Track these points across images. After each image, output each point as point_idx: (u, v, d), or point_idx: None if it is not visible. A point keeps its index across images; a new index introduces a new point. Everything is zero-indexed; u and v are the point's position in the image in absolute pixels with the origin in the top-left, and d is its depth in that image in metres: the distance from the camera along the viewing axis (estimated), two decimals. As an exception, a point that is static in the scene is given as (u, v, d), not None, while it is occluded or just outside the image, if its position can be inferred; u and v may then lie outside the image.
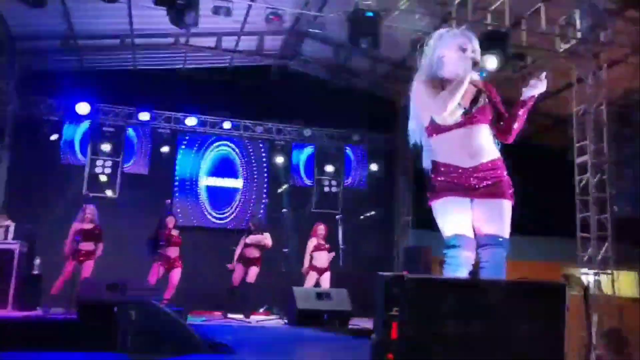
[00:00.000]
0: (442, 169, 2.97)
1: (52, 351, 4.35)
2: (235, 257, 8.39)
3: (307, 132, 11.62)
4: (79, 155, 10.90)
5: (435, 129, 2.99)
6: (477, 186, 2.91)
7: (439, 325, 2.05)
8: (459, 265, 2.72)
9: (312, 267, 8.42)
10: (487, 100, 3.03)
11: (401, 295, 2.05)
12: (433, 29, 8.18)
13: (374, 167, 11.95)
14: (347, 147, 12.07)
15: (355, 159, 12.12)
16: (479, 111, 2.98)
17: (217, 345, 3.18)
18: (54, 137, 10.57)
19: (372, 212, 11.79)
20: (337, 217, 8.48)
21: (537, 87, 2.95)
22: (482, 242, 2.84)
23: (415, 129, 3.16)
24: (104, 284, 6.15)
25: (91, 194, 10.38)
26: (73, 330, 5.46)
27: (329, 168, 11.82)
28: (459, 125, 2.94)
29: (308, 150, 11.96)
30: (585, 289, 3.20)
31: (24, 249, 8.22)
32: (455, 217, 2.87)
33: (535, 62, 8.08)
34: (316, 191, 11.71)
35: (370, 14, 7.12)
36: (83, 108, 10.71)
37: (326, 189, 11.75)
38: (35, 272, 8.59)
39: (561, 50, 7.43)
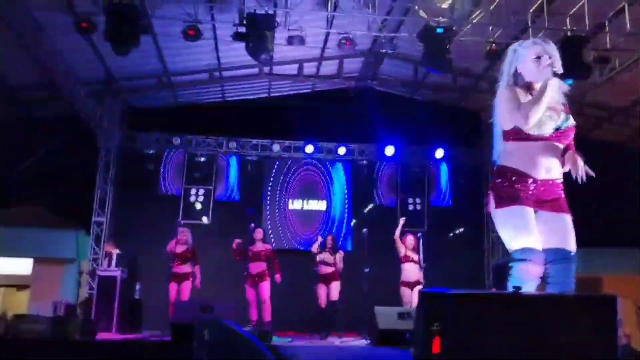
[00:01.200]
0: (513, 177, 2.86)
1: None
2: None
3: (390, 150, 11.63)
4: (175, 186, 11.55)
5: (516, 134, 2.89)
6: (543, 198, 2.84)
7: (481, 340, 2.06)
8: (527, 280, 2.63)
9: (402, 283, 8.31)
10: (573, 122, 2.95)
11: (442, 311, 2.08)
12: (511, 39, 8.06)
13: (460, 182, 11.72)
14: (431, 164, 11.94)
15: (440, 175, 11.96)
16: (567, 131, 2.91)
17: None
18: (150, 166, 11.32)
19: (462, 229, 11.58)
20: (418, 234, 8.40)
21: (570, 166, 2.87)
22: (551, 257, 2.76)
23: (496, 139, 3.04)
24: (197, 305, 6.46)
25: (187, 221, 11.00)
26: (167, 351, 5.80)
27: (413, 186, 11.74)
28: (544, 138, 2.86)
29: (392, 168, 11.96)
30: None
31: (125, 275, 8.81)
32: (527, 229, 2.77)
33: (623, 65, 7.68)
34: (400, 210, 11.66)
35: (439, 30, 7.12)
36: (177, 140, 11.42)
37: (410, 207, 11.67)
38: (136, 297, 9.17)
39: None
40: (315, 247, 8.59)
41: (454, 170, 11.86)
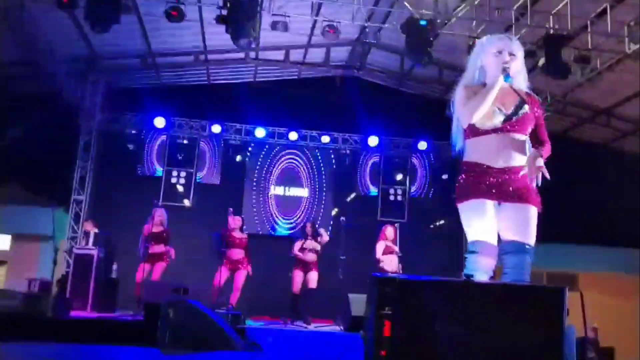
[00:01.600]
0: (472, 169, 2.97)
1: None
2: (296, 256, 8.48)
3: (373, 140, 11.68)
4: (156, 167, 11.52)
5: (472, 131, 3.01)
6: (505, 188, 2.89)
7: (430, 325, 2.11)
8: (477, 271, 2.69)
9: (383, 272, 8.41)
10: (528, 111, 3.01)
11: (393, 295, 2.13)
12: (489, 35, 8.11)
13: (440, 175, 11.81)
14: (413, 156, 12.01)
15: (421, 167, 12.04)
16: (519, 120, 2.98)
17: (251, 345, 3.35)
18: (131, 147, 11.25)
19: (442, 221, 11.68)
20: (396, 225, 8.48)
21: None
22: (507, 249, 2.82)
23: (456, 134, 3.18)
24: (169, 287, 6.51)
25: (168, 203, 11.00)
26: (138, 330, 5.83)
27: (395, 177, 11.82)
28: (496, 130, 2.95)
29: (374, 159, 12.02)
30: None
31: (102, 254, 8.80)
32: (480, 222, 2.86)
33: (604, 64, 7.76)
34: (381, 200, 11.74)
35: (423, 22, 7.15)
36: (159, 122, 11.36)
37: (392, 198, 11.75)
38: (113, 276, 9.16)
39: (630, 51, 7.11)
40: (296, 249, 8.50)
41: (435, 163, 11.93)
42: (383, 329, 2.13)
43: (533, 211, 2.90)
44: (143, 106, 11.36)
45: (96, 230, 9.16)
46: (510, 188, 2.89)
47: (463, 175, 3.01)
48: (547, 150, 3.00)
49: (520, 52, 3.10)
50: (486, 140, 2.96)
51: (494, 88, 2.93)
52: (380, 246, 8.47)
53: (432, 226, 11.96)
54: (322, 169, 11.87)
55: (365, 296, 6.53)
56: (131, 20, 8.94)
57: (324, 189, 11.78)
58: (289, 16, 7.55)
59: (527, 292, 2.17)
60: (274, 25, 7.57)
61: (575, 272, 11.54)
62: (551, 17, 7.34)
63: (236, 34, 6.74)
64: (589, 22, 7.36)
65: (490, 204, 2.90)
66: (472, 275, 2.15)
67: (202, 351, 3.03)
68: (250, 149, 11.80)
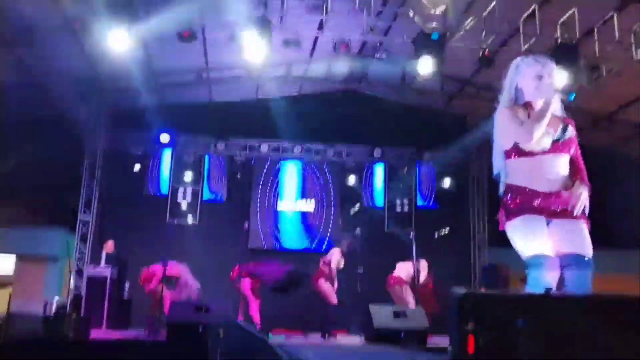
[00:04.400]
0: (519, 192, 2.94)
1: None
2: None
3: (377, 152, 11.70)
4: (162, 185, 11.44)
5: (517, 152, 2.98)
6: (553, 208, 2.90)
7: (513, 340, 2.09)
8: (542, 287, 2.61)
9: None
10: (572, 134, 3.03)
11: (474, 311, 2.11)
12: (499, 46, 8.16)
13: (445, 184, 11.83)
14: (418, 166, 12.03)
15: (426, 177, 12.06)
16: (565, 143, 2.99)
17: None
18: (137, 167, 11.17)
19: (447, 229, 11.69)
20: (410, 235, 8.49)
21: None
22: (565, 262, 2.80)
23: (497, 154, 3.12)
24: (191, 306, 6.44)
25: (173, 221, 10.95)
26: (162, 351, 5.76)
27: (400, 187, 11.82)
28: (544, 152, 2.95)
29: (379, 170, 12.03)
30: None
31: (114, 274, 8.72)
32: (536, 237, 2.83)
33: (611, 72, 7.84)
34: (388, 211, 11.73)
35: (435, 36, 7.18)
36: (165, 138, 11.31)
37: (398, 209, 11.75)
38: (125, 295, 9.08)
39: (638, 57, 7.18)
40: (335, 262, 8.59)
41: (441, 172, 11.95)
42: (467, 345, 2.10)
43: (584, 225, 2.91)
44: (147, 126, 11.31)
45: (111, 251, 9.09)
46: (558, 208, 2.91)
47: (509, 197, 2.98)
48: (585, 180, 3.01)
49: (556, 72, 3.11)
50: (532, 162, 2.95)
51: (548, 110, 2.92)
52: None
53: (436, 236, 11.95)
54: (329, 181, 11.85)
55: (388, 307, 6.54)
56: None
57: (330, 203, 11.75)
58: (297, 33, 7.54)
59: (612, 302, 2.16)
60: (286, 43, 7.58)
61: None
62: (558, 26, 7.41)
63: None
64: (595, 30, 7.43)
65: (541, 219, 2.89)
66: (550, 289, 2.13)
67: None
68: (256, 165, 11.76)
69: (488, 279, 10.09)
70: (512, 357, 2.05)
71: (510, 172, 3.02)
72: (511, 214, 2.94)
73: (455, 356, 2.09)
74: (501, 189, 3.08)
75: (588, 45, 7.58)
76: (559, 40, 7.27)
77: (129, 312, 8.89)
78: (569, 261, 2.78)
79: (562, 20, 7.42)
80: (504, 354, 2.06)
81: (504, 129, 3.03)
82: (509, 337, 2.07)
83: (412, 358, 3.94)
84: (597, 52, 7.46)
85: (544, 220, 2.89)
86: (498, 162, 3.09)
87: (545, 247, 2.80)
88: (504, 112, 3.03)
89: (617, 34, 7.16)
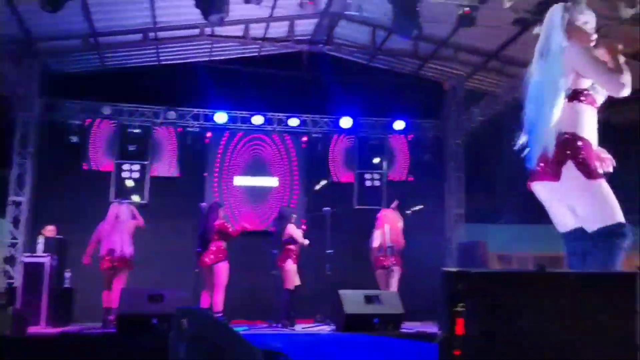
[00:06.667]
0: (591, 147, 2.93)
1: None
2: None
3: (346, 122, 11.72)
4: (104, 160, 11.23)
5: (585, 96, 2.96)
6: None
7: (505, 320, 2.16)
8: (621, 257, 2.72)
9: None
10: None
11: (466, 291, 2.17)
12: (478, 3, 8.18)
13: (420, 157, 11.95)
14: (390, 137, 12.11)
15: (399, 149, 12.16)
16: (604, 103, 3.09)
17: (274, 355, 3.34)
18: (74, 139, 10.92)
19: (421, 206, 11.82)
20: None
21: None
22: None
23: (554, 93, 2.92)
24: (144, 294, 6.39)
25: (120, 200, 10.76)
26: (113, 345, 5.72)
27: (371, 160, 11.90)
28: (597, 109, 3.01)
29: (347, 142, 12.07)
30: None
31: (54, 262, 8.56)
32: (616, 203, 2.85)
33: (599, 31, 7.96)
34: (357, 186, 11.81)
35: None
36: (107, 109, 11.08)
37: (368, 183, 11.83)
38: (67, 285, 8.95)
39: (629, 16, 7.33)
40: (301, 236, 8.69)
41: (415, 144, 12.06)
42: (455, 327, 2.17)
43: None
44: (87, 93, 11.05)
45: (51, 236, 8.93)
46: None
47: (585, 149, 2.89)
48: None
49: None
50: (594, 115, 2.99)
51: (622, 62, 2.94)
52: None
53: (408, 212, 12.09)
54: (292, 155, 11.84)
55: (359, 292, 6.62)
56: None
57: (294, 177, 11.76)
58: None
59: (600, 279, 2.25)
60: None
61: (561, 254, 11.92)
62: (543, -18, 7.49)
63: (208, 9, 6.61)
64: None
65: None
66: (543, 266, 2.20)
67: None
68: (211, 136, 11.64)
69: (464, 257, 10.30)
70: (502, 337, 2.13)
71: (576, 118, 2.93)
72: (597, 172, 2.88)
73: (444, 339, 2.15)
74: (551, 134, 2.91)
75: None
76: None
77: (70, 305, 8.77)
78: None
79: (546, -25, 7.51)
80: (494, 334, 2.14)
81: (586, 67, 2.91)
82: (500, 317, 2.15)
83: (389, 344, 4.04)
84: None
85: None
86: (555, 105, 2.90)
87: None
88: (584, 51, 2.93)
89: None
